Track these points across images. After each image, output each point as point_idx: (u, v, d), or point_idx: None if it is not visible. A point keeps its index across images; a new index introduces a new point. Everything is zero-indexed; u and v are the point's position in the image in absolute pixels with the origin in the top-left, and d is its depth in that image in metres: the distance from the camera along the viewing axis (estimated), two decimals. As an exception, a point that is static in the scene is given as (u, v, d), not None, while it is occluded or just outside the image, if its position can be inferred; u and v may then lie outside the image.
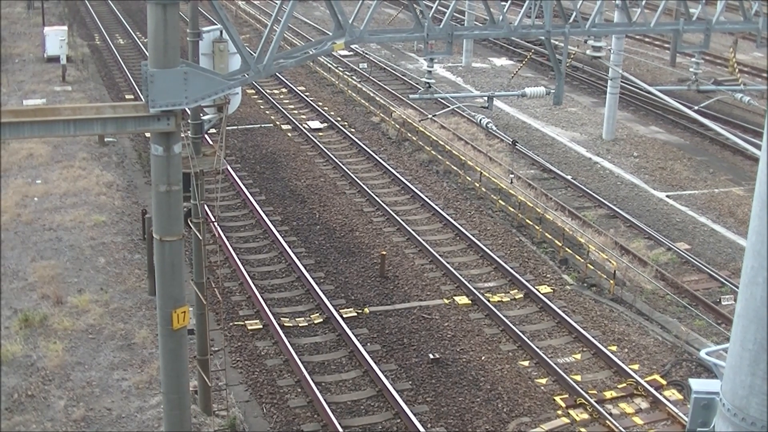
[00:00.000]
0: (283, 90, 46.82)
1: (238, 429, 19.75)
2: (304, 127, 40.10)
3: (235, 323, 24.34)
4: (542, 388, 21.91)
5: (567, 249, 28.43)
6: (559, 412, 21.05)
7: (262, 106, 43.50)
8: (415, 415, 20.35)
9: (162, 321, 15.09)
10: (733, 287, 26.15)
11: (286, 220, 30.81)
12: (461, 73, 50.88)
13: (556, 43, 25.68)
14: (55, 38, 48.00)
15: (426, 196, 32.59)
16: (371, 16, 16.79)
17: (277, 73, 46.41)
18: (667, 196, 33.71)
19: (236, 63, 16.62)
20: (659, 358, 23.43)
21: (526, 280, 26.76)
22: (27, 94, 42.70)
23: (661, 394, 21.64)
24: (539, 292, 26.15)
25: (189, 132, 17.97)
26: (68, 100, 41.59)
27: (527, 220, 30.56)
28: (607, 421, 20.44)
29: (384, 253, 27.33)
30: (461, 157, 35.72)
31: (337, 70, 49.25)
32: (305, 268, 26.85)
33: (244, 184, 33.24)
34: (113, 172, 33.79)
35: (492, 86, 47.56)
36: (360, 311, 25.11)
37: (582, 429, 20.41)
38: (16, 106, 38.29)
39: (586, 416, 20.79)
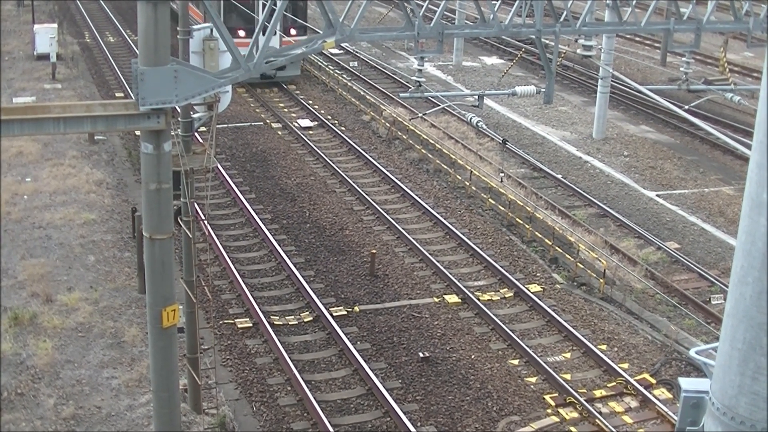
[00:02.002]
0: (274, 88, 46.78)
1: (227, 427, 19.73)
2: (294, 126, 40.07)
3: (225, 321, 24.32)
4: (532, 386, 21.94)
5: (557, 248, 28.47)
6: (549, 410, 21.08)
7: (252, 105, 43.46)
8: (404, 413, 20.35)
9: (152, 319, 15.06)
10: (723, 287, 26.22)
11: (276, 219, 30.79)
12: (452, 71, 50.90)
13: (547, 42, 25.70)
14: (45, 36, 47.82)
15: (416, 195, 32.60)
16: (362, 14, 16.78)
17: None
18: (657, 196, 33.79)
19: (226, 61, 16.60)
20: (649, 357, 23.48)
21: (516, 279, 26.78)
22: (17, 92, 42.58)
23: (650, 393, 21.69)
24: (529, 290, 26.18)
25: (179, 130, 17.94)
26: (58, 98, 41.48)
27: (517, 219, 30.59)
28: (597, 420, 20.48)
29: (374, 251, 27.33)
30: (451, 155, 35.73)
31: (327, 69, 49.23)
32: (295, 267, 26.84)
33: (234, 183, 33.21)
34: (103, 170, 33.72)
35: (482, 85, 47.60)
36: (350, 310, 25.11)
37: (572, 428, 20.45)
38: (6, 103, 38.18)
39: (575, 415, 20.83)
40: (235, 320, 24.38)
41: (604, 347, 23.74)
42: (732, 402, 6.62)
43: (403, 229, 29.71)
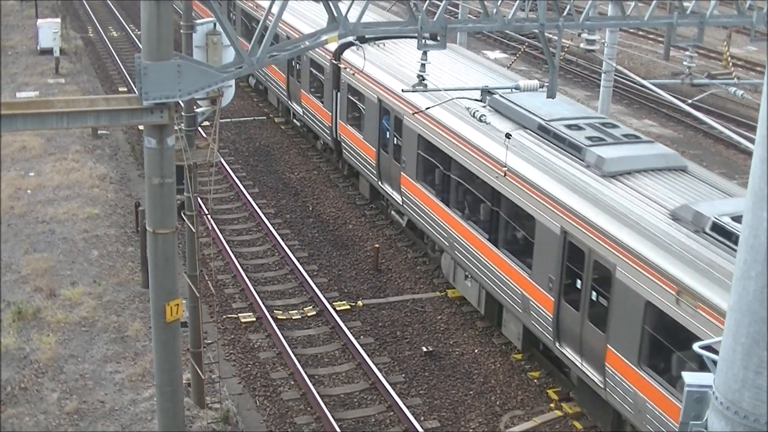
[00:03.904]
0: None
1: (231, 421, 19.76)
2: (296, 120, 40.00)
3: (229, 316, 24.34)
4: (535, 381, 21.95)
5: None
6: (552, 405, 21.09)
7: (255, 99, 43.44)
8: (408, 407, 20.37)
9: (155, 314, 15.07)
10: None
11: (279, 213, 30.80)
12: (455, 66, 50.76)
13: (550, 36, 25.64)
14: (48, 30, 47.81)
15: (419, 190, 32.56)
16: (365, 9, 16.76)
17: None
18: (661, 190, 33.69)
19: (230, 56, 16.59)
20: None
21: (520, 274, 26.75)
22: (20, 87, 42.60)
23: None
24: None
25: (182, 125, 17.94)
26: (61, 93, 41.49)
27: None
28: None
29: (377, 246, 27.32)
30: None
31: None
32: (298, 261, 26.85)
33: (237, 177, 33.22)
34: (106, 164, 33.74)
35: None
36: (353, 304, 25.12)
37: (575, 422, 20.45)
38: (9, 98, 38.18)
39: (578, 409, 20.82)
40: (239, 315, 24.40)
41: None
42: (735, 396, 6.62)
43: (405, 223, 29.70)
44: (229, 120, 39.56)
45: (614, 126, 22.22)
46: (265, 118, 40.69)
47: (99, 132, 36.75)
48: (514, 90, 23.14)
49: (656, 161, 20.26)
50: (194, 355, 19.65)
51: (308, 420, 20.25)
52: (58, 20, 50.17)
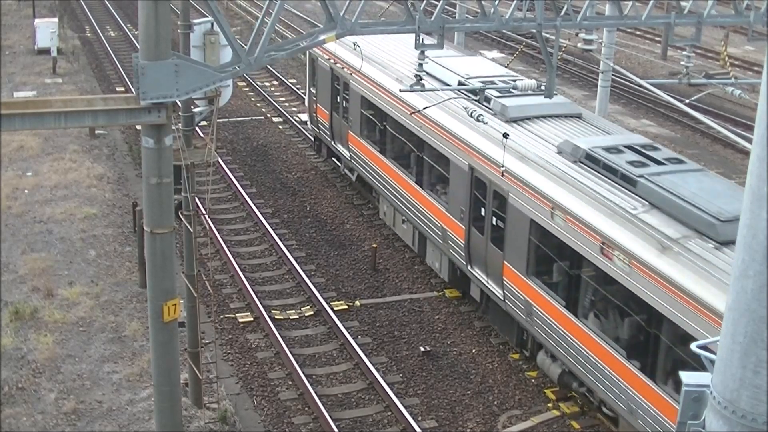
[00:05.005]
0: (274, 82, 46.72)
1: (228, 421, 19.75)
2: (294, 120, 40.03)
3: (226, 316, 24.33)
4: (533, 381, 21.95)
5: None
6: (550, 405, 21.10)
7: (253, 99, 43.42)
8: (405, 407, 20.36)
9: (153, 313, 15.06)
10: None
11: (276, 213, 30.79)
12: (453, 65, 50.72)
13: (548, 36, 25.64)
14: (46, 30, 47.79)
15: (417, 189, 32.51)
16: (362, 8, 16.75)
17: (268, 65, 46.26)
18: (658, 190, 33.67)
19: (227, 55, 16.58)
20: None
21: (517, 273, 26.74)
22: (17, 87, 42.57)
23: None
24: (530, 285, 26.09)
25: (180, 124, 17.93)
26: (59, 93, 41.47)
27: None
28: (598, 414, 20.49)
29: (375, 245, 27.32)
30: (452, 150, 35.66)
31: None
32: (296, 261, 26.84)
33: (234, 177, 33.21)
34: (104, 164, 33.71)
35: (483, 79, 47.41)
36: (351, 304, 25.12)
37: (573, 422, 20.46)
38: (7, 98, 38.16)
39: (576, 409, 20.84)
40: (236, 314, 24.39)
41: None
42: (733, 396, 6.61)
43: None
44: (226, 120, 39.55)
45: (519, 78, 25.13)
46: (262, 117, 40.68)
47: (96, 132, 36.73)
48: (511, 90, 23.13)
49: (552, 109, 23.53)
50: (192, 355, 19.64)
51: (306, 420, 20.24)
52: (56, 20, 50.15)
